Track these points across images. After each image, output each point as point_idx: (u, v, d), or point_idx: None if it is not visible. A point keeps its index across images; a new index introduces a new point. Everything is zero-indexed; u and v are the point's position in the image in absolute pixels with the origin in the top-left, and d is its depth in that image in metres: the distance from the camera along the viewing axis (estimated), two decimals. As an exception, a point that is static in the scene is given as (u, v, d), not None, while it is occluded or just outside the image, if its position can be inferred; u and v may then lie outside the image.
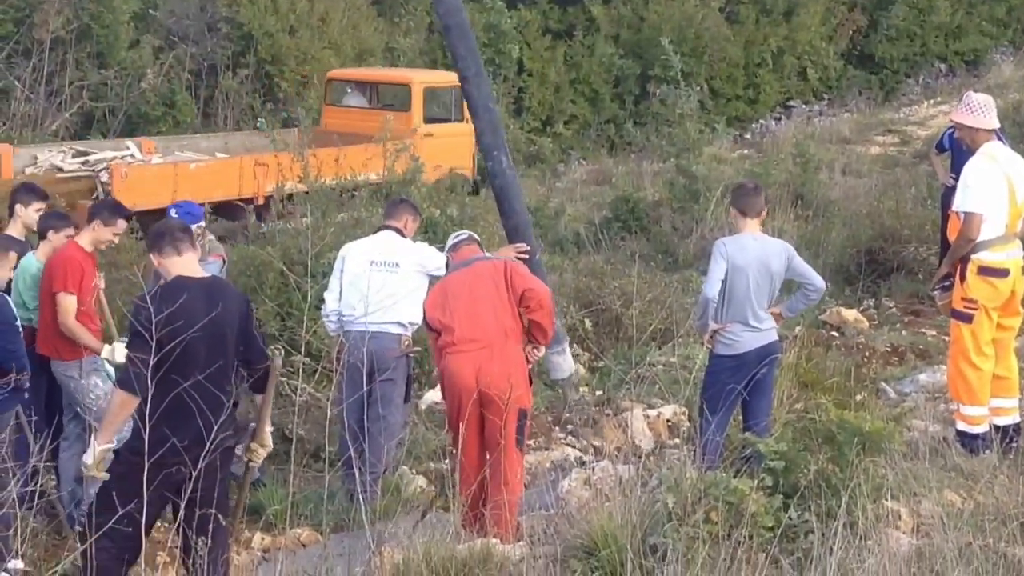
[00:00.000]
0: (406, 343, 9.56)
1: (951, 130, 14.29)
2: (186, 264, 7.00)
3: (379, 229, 9.93)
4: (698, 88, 22.43)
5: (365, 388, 9.03)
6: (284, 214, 15.44)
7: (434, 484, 9.56)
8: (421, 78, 22.25)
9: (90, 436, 7.59)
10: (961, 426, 9.04)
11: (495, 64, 26.83)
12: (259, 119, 21.97)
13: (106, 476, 6.80)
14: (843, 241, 16.53)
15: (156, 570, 7.22)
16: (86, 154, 18.13)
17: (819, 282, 8.96)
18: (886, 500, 7.18)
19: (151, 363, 6.45)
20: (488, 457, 8.22)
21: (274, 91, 24.05)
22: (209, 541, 6.66)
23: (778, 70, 32.45)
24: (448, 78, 21.08)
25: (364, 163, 16.78)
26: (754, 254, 8.71)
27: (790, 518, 6.67)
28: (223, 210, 17.60)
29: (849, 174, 23.09)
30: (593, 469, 8.92)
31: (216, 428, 6.58)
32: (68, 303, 8.81)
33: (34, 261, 9.13)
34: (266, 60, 24.12)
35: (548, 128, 28.36)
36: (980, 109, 9.09)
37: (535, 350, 8.63)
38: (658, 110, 24.63)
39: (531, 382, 8.55)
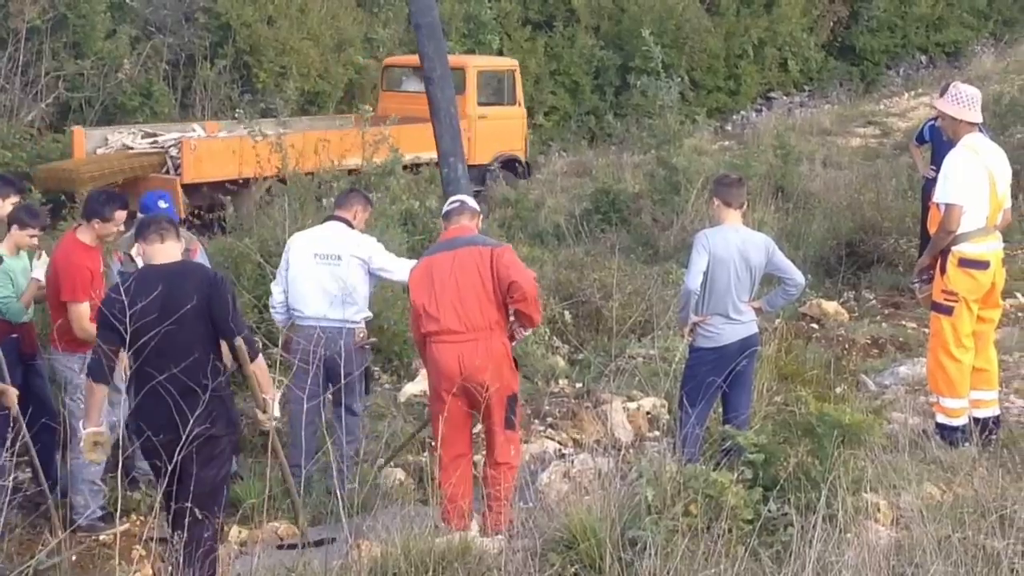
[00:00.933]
0: (361, 335, 9.54)
1: (931, 122, 14.33)
2: (166, 252, 7.17)
3: (327, 219, 9.83)
4: (679, 79, 22.44)
5: (321, 385, 9.17)
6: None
7: (412, 477, 9.55)
8: (476, 62, 23.03)
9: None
10: (941, 418, 9.07)
11: (474, 55, 26.80)
12: (237, 110, 21.88)
13: (100, 459, 7.18)
14: (823, 233, 16.56)
15: (131, 564, 7.19)
16: (153, 135, 19.70)
17: (799, 277, 8.96)
18: (865, 493, 7.19)
19: (127, 352, 6.85)
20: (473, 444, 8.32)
21: (252, 82, 23.94)
22: (185, 535, 6.68)
23: (759, 61, 32.48)
24: (502, 63, 23.54)
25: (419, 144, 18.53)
26: (736, 246, 8.70)
27: (769, 511, 6.68)
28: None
29: (830, 166, 23.12)
30: (572, 462, 8.92)
31: (193, 419, 6.65)
32: (80, 311, 8.84)
33: None
34: (244, 50, 24.01)
35: (528, 119, 28.32)
36: (966, 101, 9.07)
37: (521, 329, 8.55)
38: (638, 101, 24.72)
39: (517, 367, 8.51)
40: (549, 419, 11.03)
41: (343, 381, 9.16)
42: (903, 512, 7.15)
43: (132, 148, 19.23)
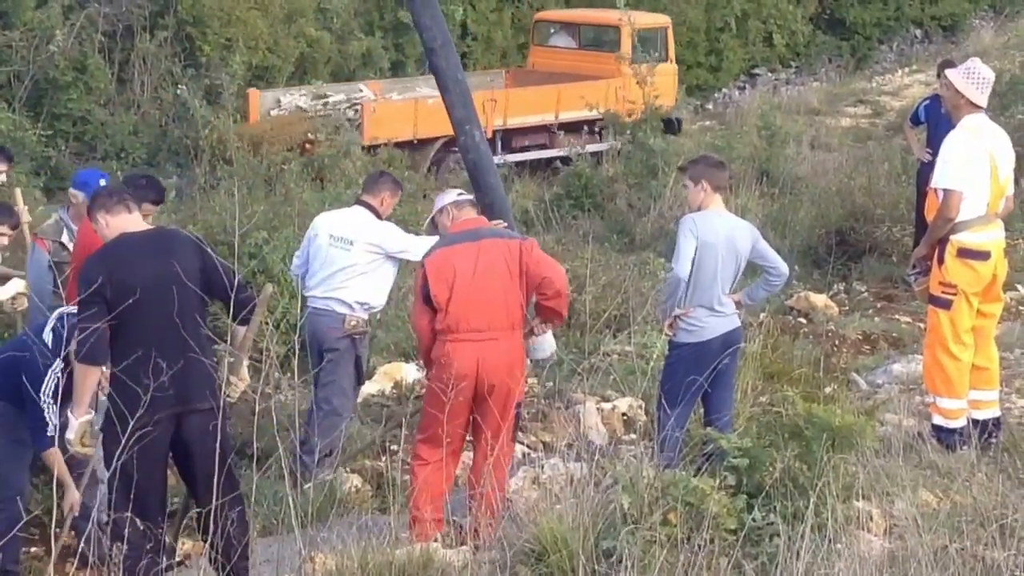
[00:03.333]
0: (352, 323, 9.74)
1: (928, 101, 14.41)
2: (135, 221, 7.39)
3: (356, 202, 10.26)
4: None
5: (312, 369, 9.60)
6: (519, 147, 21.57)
7: (370, 484, 9.54)
8: (631, 20, 24.11)
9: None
10: (937, 420, 9.10)
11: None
12: (179, 86, 21.83)
13: (91, 451, 7.28)
14: (811, 221, 16.63)
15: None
16: (324, 96, 22.14)
17: (783, 267, 8.99)
18: (857, 500, 7.21)
19: (108, 324, 7.02)
20: (476, 446, 8.35)
21: (196, 55, 23.84)
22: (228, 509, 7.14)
23: (742, 35, 32.55)
24: (655, 20, 25.49)
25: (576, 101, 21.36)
26: (724, 232, 8.73)
27: (754, 520, 6.70)
28: (453, 143, 19.63)
29: (818, 148, 23.23)
30: (542, 467, 8.92)
31: (192, 382, 7.11)
32: None
33: None
34: (187, 21, 23.91)
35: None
36: (978, 80, 8.98)
37: (544, 326, 8.56)
38: (613, 78, 24.70)
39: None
40: (518, 420, 11.04)
41: (322, 373, 9.56)
42: (897, 521, 7.18)
43: (306, 110, 21.40)
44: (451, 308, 8.12)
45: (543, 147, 23.09)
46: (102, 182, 9.63)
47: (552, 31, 25.62)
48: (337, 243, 9.85)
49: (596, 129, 22.92)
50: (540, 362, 10.85)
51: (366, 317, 9.96)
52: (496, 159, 18.71)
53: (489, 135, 20.25)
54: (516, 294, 8.18)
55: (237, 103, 20.64)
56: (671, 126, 23.92)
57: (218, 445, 6.99)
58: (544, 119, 22.79)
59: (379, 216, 9.99)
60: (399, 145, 20.49)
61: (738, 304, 8.98)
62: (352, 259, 9.76)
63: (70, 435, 7.24)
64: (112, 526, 7.06)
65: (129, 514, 7.02)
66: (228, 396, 7.66)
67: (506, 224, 9.97)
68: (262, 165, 14.44)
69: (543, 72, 24.35)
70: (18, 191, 10.51)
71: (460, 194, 8.80)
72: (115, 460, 6.91)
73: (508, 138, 22.81)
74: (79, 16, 22.98)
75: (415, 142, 20.84)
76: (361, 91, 22.71)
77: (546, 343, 10.86)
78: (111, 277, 7.06)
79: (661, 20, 25.75)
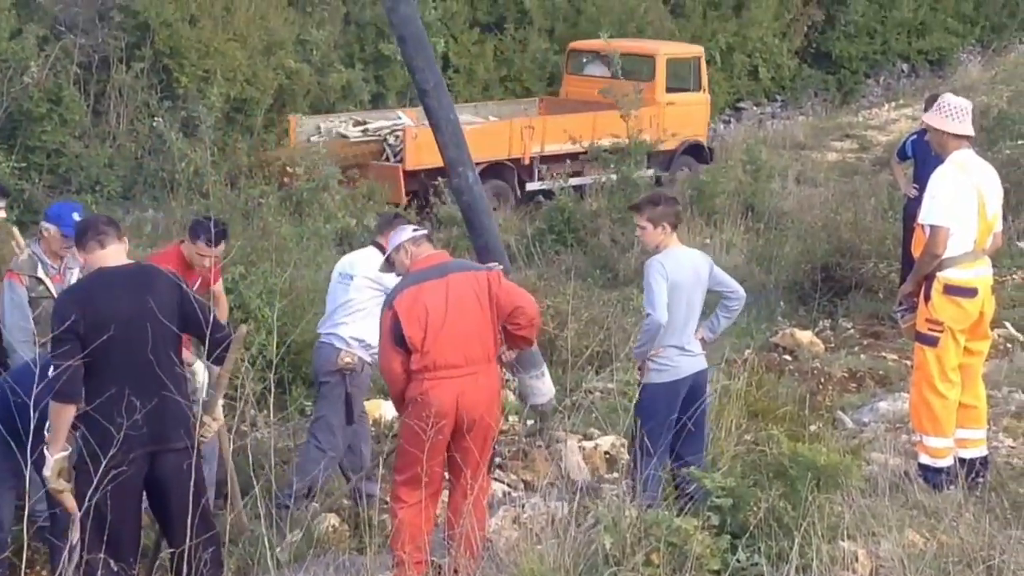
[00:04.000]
0: (345, 360, 9.86)
1: (914, 136, 14.45)
2: (110, 256, 7.36)
3: (371, 243, 10.43)
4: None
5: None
6: (547, 176, 22.03)
7: (348, 523, 9.51)
8: (665, 49, 25.91)
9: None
10: (924, 459, 9.10)
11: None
12: (155, 118, 21.81)
13: (69, 487, 7.21)
14: (797, 256, 16.66)
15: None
16: (363, 123, 23.10)
17: (740, 289, 9.06)
18: (842, 541, 7.22)
19: (82, 361, 7.01)
20: (454, 483, 8.29)
21: (173, 87, 23.83)
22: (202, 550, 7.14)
23: (727, 69, 32.64)
24: (688, 49, 26.58)
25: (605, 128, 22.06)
26: (690, 270, 8.76)
27: (738, 560, 6.70)
28: (492, 170, 22.19)
29: (804, 183, 23.33)
30: (523, 506, 8.91)
31: (167, 420, 7.11)
32: None
33: None
34: (164, 53, 23.90)
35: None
36: (954, 113, 9.07)
37: (510, 352, 8.61)
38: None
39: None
40: (498, 459, 11.02)
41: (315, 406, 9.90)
42: (883, 562, 7.18)
43: (346, 136, 22.43)
44: (426, 347, 8.04)
45: (579, 174, 23.35)
46: (75, 216, 9.61)
47: (585, 60, 26.55)
48: (341, 280, 10.13)
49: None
50: (539, 407, 10.88)
51: (365, 357, 9.91)
52: (535, 185, 22.53)
53: (527, 161, 23.02)
54: (489, 327, 8.19)
55: (214, 136, 20.61)
56: (702, 155, 25.06)
57: (192, 484, 7.00)
58: (580, 146, 23.09)
59: None
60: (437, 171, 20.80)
61: (703, 342, 8.98)
62: (351, 294, 9.88)
63: (46, 472, 7.23)
64: (85, 567, 7.02)
65: (103, 555, 7.01)
66: (202, 436, 7.66)
67: (502, 267, 10.00)
68: (239, 199, 14.42)
69: (576, 101, 25.26)
70: (15, 228, 10.49)
71: (415, 230, 8.67)
72: (86, 500, 6.90)
73: (544, 165, 23.59)
74: (54, 47, 22.97)
75: None
76: (399, 118, 23.49)
77: (544, 387, 10.91)
78: (84, 313, 7.06)
79: (694, 50, 26.70)
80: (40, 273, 9.39)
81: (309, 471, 9.60)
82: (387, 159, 22.05)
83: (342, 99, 25.70)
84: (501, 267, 9.33)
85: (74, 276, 9.53)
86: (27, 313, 9.21)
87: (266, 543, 7.04)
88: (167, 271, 7.77)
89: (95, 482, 6.77)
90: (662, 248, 8.82)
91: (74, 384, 7.06)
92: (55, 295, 9.28)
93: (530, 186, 22.95)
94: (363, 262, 10.02)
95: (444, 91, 11.21)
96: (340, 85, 25.62)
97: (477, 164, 18.89)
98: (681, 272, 8.69)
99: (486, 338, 8.18)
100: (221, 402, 7.86)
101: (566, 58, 27.03)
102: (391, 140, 22.28)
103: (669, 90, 25.15)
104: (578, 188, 22.39)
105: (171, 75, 23.92)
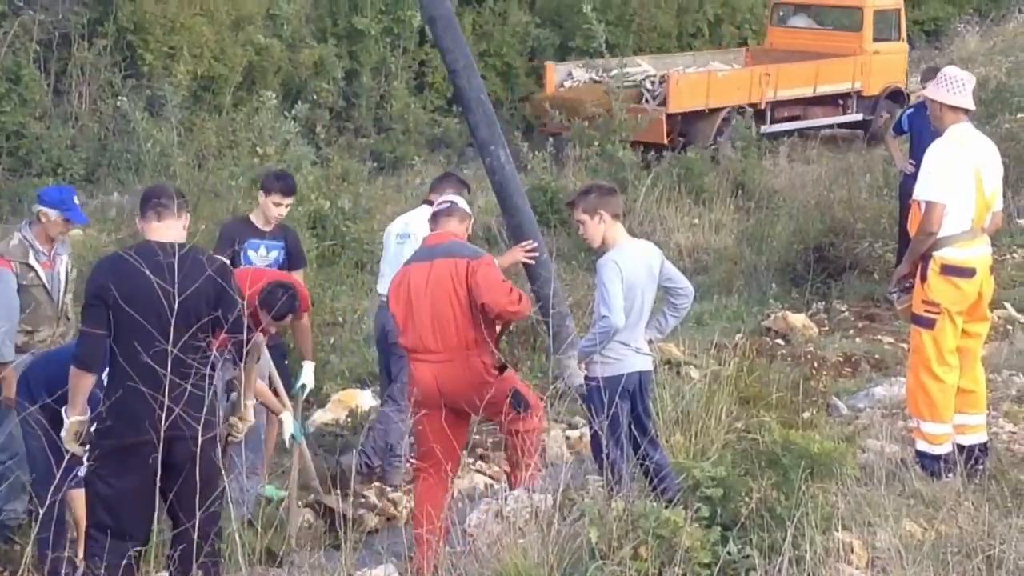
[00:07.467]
0: None
1: (911, 110, 14.47)
2: (163, 230, 7.44)
3: (422, 201, 10.81)
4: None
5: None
6: (780, 118, 25.33)
7: (323, 519, 9.52)
8: (872, 1, 27.58)
9: None
10: (921, 446, 9.12)
11: (393, 34, 26.79)
12: (119, 97, 21.73)
13: (83, 451, 7.39)
14: (789, 236, 16.66)
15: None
16: (607, 69, 24.50)
17: (690, 286, 8.86)
18: (837, 531, 7.24)
19: (109, 331, 7.19)
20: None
21: (137, 65, 23.74)
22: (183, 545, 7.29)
23: (716, 41, 32.59)
24: (890, 1, 28.23)
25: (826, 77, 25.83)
26: (643, 267, 8.56)
27: (729, 553, 6.71)
28: (734, 113, 24.08)
29: (795, 160, 23.30)
30: (505, 499, 8.91)
31: (183, 407, 7.10)
32: None
33: None
34: (128, 29, 23.81)
35: (454, 107, 28.26)
36: (953, 85, 9.04)
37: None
38: (579, 86, 24.76)
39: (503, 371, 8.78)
40: (479, 450, 11.03)
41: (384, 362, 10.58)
42: (879, 553, 7.20)
43: (600, 82, 24.09)
44: (407, 327, 8.52)
45: (797, 119, 26.12)
46: (75, 199, 9.61)
47: (785, 13, 28.72)
48: (400, 240, 10.56)
49: (841, 103, 26.68)
50: (576, 389, 10.89)
51: None
52: (764, 128, 24.34)
53: (763, 106, 24.94)
54: (466, 314, 8.37)
55: (181, 115, 20.53)
56: (901, 99, 26.84)
57: (199, 473, 7.22)
58: (803, 92, 25.93)
59: None
60: (694, 114, 23.79)
61: (650, 342, 8.86)
62: (410, 250, 9.91)
63: (63, 433, 7.44)
64: (86, 550, 7.33)
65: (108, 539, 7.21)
66: (232, 437, 8.17)
67: (535, 243, 10.48)
68: (207, 181, 14.37)
69: (781, 51, 27.31)
70: None
71: (440, 204, 9.07)
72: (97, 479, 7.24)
73: (773, 110, 25.72)
74: (12, 24, 22.88)
75: (707, 111, 23.74)
76: (639, 64, 25.47)
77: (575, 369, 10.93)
78: (117, 283, 7.18)
79: (896, 2, 28.45)
80: (31, 260, 9.36)
81: (392, 432, 10.32)
82: (646, 102, 23.60)
83: (314, 76, 25.61)
84: (535, 245, 10.34)
85: (63, 263, 9.55)
86: (13, 304, 9.16)
87: (238, 540, 7.03)
88: (218, 259, 7.86)
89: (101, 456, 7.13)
90: (610, 243, 8.59)
91: (95, 354, 7.24)
92: (46, 283, 9.34)
93: (763, 129, 24.52)
94: (417, 220, 10.36)
95: (474, 71, 11.34)
96: (312, 61, 25.55)
97: (721, 109, 23.44)
98: (636, 271, 8.46)
99: (463, 325, 8.35)
100: (250, 403, 8.28)
101: (770, 11, 29.25)
102: (648, 85, 24.18)
103: (875, 40, 27.19)
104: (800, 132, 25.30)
105: (135, 52, 23.83)
